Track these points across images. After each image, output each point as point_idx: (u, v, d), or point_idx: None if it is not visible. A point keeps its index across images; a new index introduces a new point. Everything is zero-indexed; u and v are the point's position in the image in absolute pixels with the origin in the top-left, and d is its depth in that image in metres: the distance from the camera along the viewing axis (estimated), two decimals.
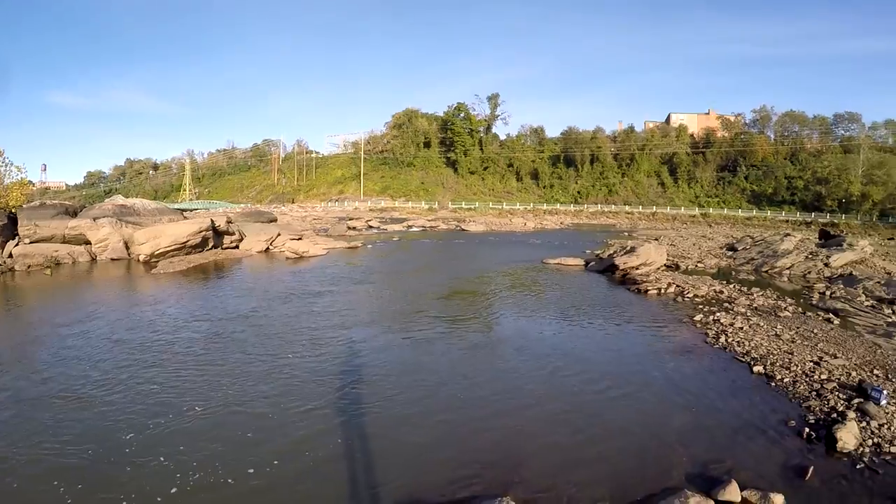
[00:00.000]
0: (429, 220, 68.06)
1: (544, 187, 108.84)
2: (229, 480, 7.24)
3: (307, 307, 17.56)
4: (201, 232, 30.14)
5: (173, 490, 7.00)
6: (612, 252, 28.19)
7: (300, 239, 34.79)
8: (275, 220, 43.99)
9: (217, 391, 10.19)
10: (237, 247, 33.00)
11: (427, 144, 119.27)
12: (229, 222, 34.02)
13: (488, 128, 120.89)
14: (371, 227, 58.55)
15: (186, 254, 29.21)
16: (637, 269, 24.10)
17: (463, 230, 56.23)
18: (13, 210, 33.19)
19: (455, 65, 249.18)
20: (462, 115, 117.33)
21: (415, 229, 58.50)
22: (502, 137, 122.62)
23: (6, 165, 39.91)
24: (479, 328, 15.15)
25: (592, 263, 27.44)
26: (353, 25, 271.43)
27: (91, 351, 12.80)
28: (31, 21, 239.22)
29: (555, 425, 8.89)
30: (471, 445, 8.24)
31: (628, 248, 27.28)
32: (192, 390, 10.30)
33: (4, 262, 28.06)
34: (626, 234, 52.44)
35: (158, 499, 6.83)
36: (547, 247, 37.62)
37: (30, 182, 44.59)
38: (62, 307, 18.64)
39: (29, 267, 27.78)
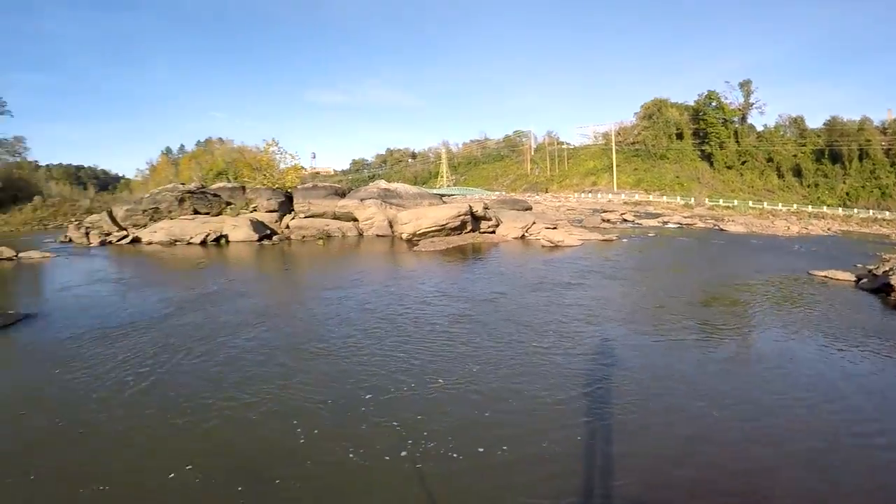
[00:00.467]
0: (685, 217, 63.81)
1: (808, 186, 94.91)
2: (457, 455, 6.96)
3: (558, 297, 16.87)
4: (460, 216, 31.14)
5: (402, 453, 6.96)
6: (887, 269, 23.62)
7: (555, 228, 34.30)
8: (530, 209, 44.02)
9: (459, 369, 10.03)
10: (493, 232, 33.49)
11: (679, 136, 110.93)
12: (486, 208, 34.71)
13: (743, 118, 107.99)
14: (625, 220, 56.33)
15: (446, 235, 30.34)
16: None
17: (721, 230, 51.68)
18: (289, 190, 38.22)
19: (701, 48, 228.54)
20: (714, 103, 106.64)
21: (671, 226, 55.12)
22: (759, 128, 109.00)
23: (281, 153, 46.20)
24: (736, 341, 13.20)
25: (865, 280, 23.17)
26: (594, 14, 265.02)
27: (346, 314, 13.74)
28: (292, 32, 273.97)
29: (810, 469, 7.19)
30: (714, 471, 6.93)
31: None
32: (435, 364, 10.28)
33: (282, 232, 33.17)
34: None
35: (386, 458, 6.87)
36: (812, 256, 32.88)
37: (302, 167, 49.89)
38: (329, 272, 21.19)
39: (303, 237, 32.43)
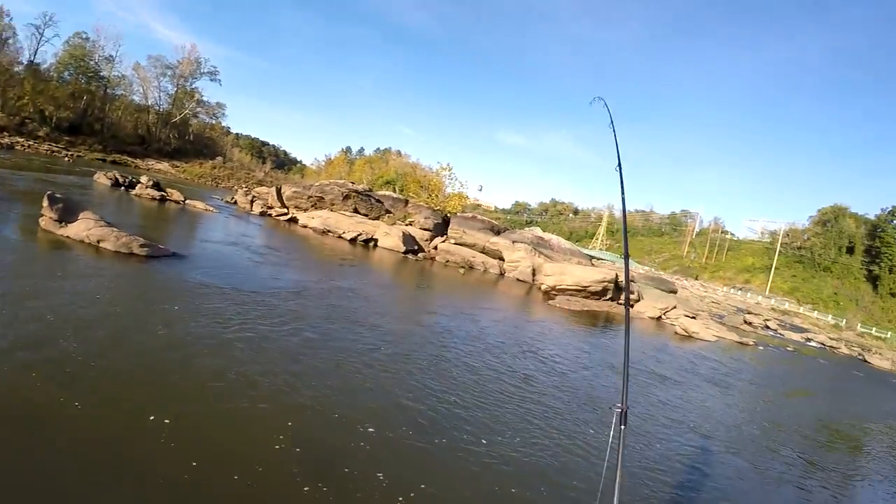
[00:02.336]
0: (830, 338, 58.28)
1: None
2: None
3: (683, 394, 15.40)
4: (604, 282, 30.07)
5: None
6: None
7: (694, 318, 32.21)
8: (674, 292, 41.83)
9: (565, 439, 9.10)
10: (632, 306, 31.85)
11: (850, 250, 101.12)
12: (632, 281, 33.07)
13: None
14: (768, 327, 52.40)
15: (584, 297, 29.27)
16: None
17: (865, 361, 46.43)
18: (448, 214, 39.27)
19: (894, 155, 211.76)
20: None
21: (812, 344, 50.39)
22: None
23: (451, 179, 47.30)
24: (843, 491, 11.28)
25: None
26: (787, 105, 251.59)
27: (456, 350, 12.83)
28: (492, 73, 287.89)
29: None
30: None
31: None
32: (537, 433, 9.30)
33: (429, 251, 34.08)
34: None
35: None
36: None
37: (466, 196, 50.82)
38: (460, 301, 20.23)
39: (447, 262, 32.97)
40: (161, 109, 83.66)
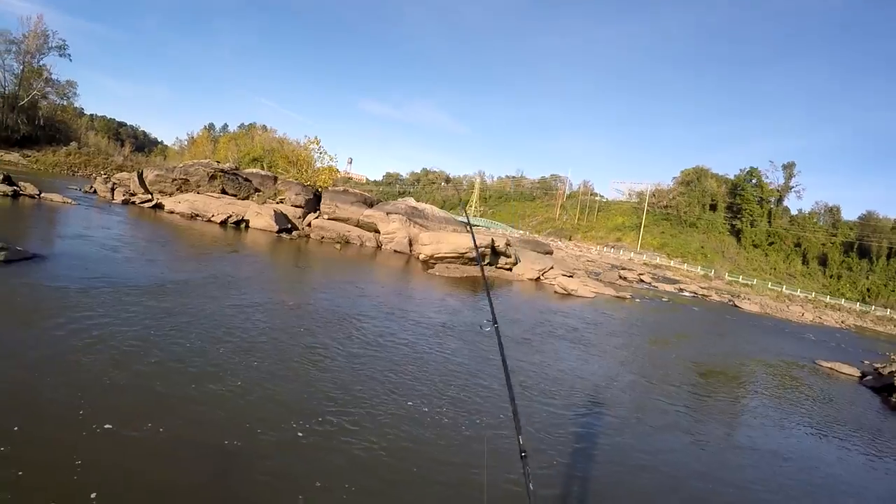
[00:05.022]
0: (701, 287, 63.81)
1: (831, 276, 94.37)
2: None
3: (549, 346, 16.29)
4: (480, 247, 30.48)
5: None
6: (894, 369, 23.06)
7: (571, 276, 33.77)
8: (550, 253, 43.56)
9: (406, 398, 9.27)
10: (510, 269, 33.01)
11: (713, 207, 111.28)
12: (508, 245, 34.25)
13: (779, 199, 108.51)
14: (642, 281, 56.34)
15: (462, 263, 29.86)
16: None
17: (735, 306, 51.21)
18: (320, 189, 38.40)
19: (751, 124, 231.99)
20: (754, 181, 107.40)
21: (685, 294, 54.75)
22: (793, 212, 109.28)
23: (320, 153, 46.82)
24: (727, 424, 12.54)
25: (869, 377, 22.68)
26: (650, 75, 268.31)
27: (337, 323, 12.86)
28: (355, 39, 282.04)
29: None
30: None
31: None
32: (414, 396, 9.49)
33: (303, 229, 33.09)
34: None
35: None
36: (822, 346, 32.45)
37: (337, 170, 50.41)
38: (339, 278, 20.38)
39: (322, 238, 32.09)
40: (6, 91, 74.89)
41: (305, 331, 11.90)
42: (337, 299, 16.06)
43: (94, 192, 34.93)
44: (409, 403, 8.74)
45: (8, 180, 27.64)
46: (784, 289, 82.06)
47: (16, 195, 26.59)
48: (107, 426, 6.11)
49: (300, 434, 6.95)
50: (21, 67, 76.07)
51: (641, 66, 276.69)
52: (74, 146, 72.29)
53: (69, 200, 27.55)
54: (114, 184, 35.43)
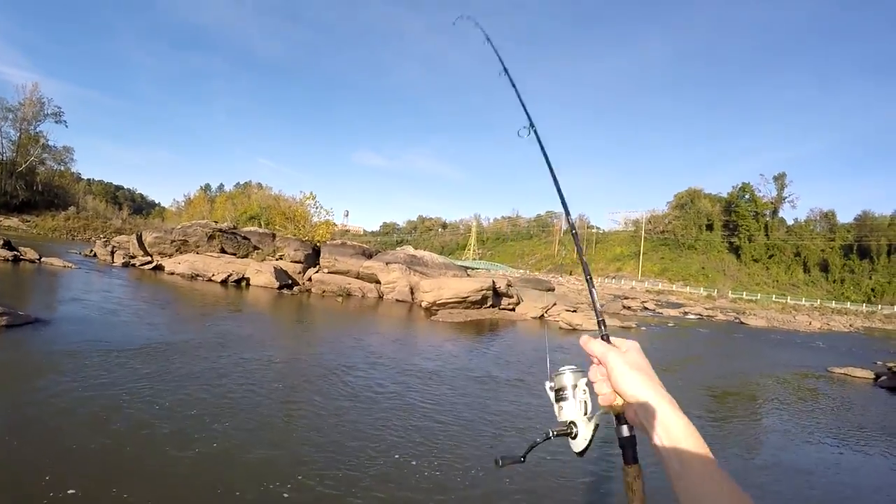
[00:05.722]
0: (706, 309, 63.74)
1: (833, 281, 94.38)
2: None
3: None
4: (482, 290, 30.64)
5: None
6: None
7: (575, 311, 33.67)
8: (552, 290, 43.53)
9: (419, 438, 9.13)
10: (513, 309, 32.95)
11: (710, 227, 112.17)
12: (509, 285, 34.32)
13: (774, 211, 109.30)
14: (646, 308, 56.15)
15: (465, 308, 29.83)
16: None
17: (742, 323, 51.03)
18: (318, 244, 38.75)
19: (738, 141, 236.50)
20: (747, 196, 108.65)
21: (691, 317, 54.54)
22: (789, 222, 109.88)
23: (317, 207, 47.46)
24: (745, 439, 12.47)
25: (884, 377, 22.47)
26: (636, 105, 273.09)
27: (342, 377, 12.76)
28: (346, 95, 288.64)
29: None
30: None
31: None
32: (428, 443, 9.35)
33: (304, 284, 33.07)
34: None
35: None
36: (832, 352, 32.29)
37: (334, 223, 50.86)
38: (342, 331, 20.20)
39: (323, 292, 32.00)
40: (4, 158, 76.06)
41: (294, 387, 11.71)
42: (332, 353, 15.87)
43: (94, 255, 35.14)
44: (396, 456, 8.58)
45: (8, 245, 27.97)
46: (789, 300, 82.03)
47: (16, 260, 26.91)
48: (70, 491, 5.93)
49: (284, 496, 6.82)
50: (18, 134, 77.73)
51: (626, 98, 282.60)
52: (73, 210, 73.02)
53: (70, 264, 27.74)
54: (113, 247, 35.65)
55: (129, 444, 7.51)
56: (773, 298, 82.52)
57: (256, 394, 10.80)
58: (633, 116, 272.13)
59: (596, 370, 1.38)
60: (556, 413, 1.45)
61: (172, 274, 30.65)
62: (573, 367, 1.48)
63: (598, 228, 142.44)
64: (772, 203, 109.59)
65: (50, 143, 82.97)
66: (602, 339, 1.43)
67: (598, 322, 1.54)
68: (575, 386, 1.44)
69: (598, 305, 1.57)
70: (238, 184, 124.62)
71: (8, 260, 26.57)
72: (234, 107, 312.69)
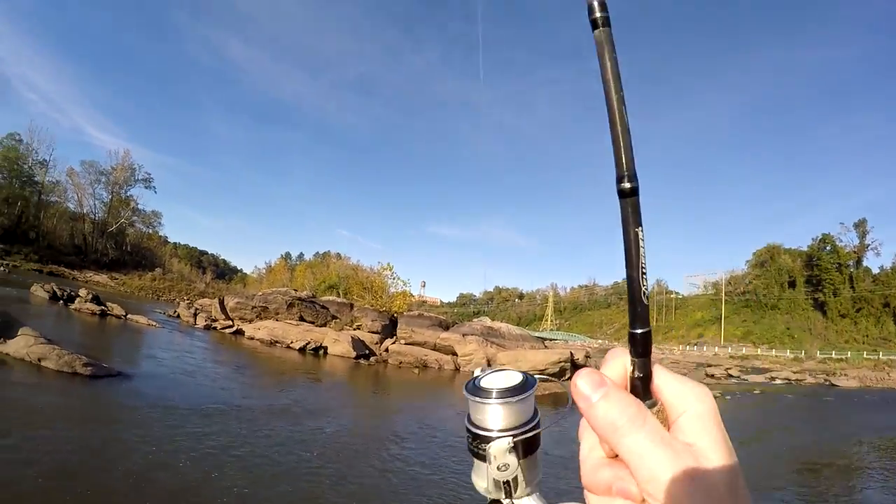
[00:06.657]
0: (793, 372, 59.51)
1: None
2: None
3: None
4: (559, 362, 29.84)
5: None
6: None
7: None
8: None
9: None
10: None
11: (792, 284, 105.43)
12: (588, 356, 33.37)
13: (858, 261, 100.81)
14: (731, 375, 53.05)
15: (542, 381, 28.63)
16: None
17: (832, 385, 47.42)
18: (395, 314, 38.77)
19: (814, 189, 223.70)
20: (828, 247, 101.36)
21: (778, 382, 51.06)
22: (875, 271, 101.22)
23: (394, 278, 47.53)
24: None
25: None
26: (708, 164, 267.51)
27: (416, 458, 12.15)
28: (419, 169, 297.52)
29: None
30: None
31: None
32: None
33: (381, 354, 33.00)
34: None
35: None
36: None
37: (411, 294, 50.83)
38: (418, 404, 19.87)
39: (400, 363, 31.76)
40: (96, 218, 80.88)
41: (352, 457, 11.44)
42: (413, 428, 15.65)
43: (178, 316, 36.18)
44: None
45: (97, 300, 29.38)
46: (881, 355, 75.55)
47: (104, 314, 28.16)
48: None
49: None
50: (110, 197, 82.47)
51: (697, 157, 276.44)
52: (159, 272, 76.30)
53: (154, 323, 28.59)
54: (196, 309, 36.56)
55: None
56: (864, 355, 76.25)
57: (307, 465, 10.51)
58: (707, 175, 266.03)
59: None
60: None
61: (252, 339, 31.14)
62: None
63: (676, 293, 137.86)
64: (855, 252, 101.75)
65: (140, 206, 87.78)
66: (634, 380, 0.60)
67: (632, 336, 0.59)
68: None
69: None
70: (317, 253, 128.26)
71: (96, 314, 27.79)
72: (313, 178, 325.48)
